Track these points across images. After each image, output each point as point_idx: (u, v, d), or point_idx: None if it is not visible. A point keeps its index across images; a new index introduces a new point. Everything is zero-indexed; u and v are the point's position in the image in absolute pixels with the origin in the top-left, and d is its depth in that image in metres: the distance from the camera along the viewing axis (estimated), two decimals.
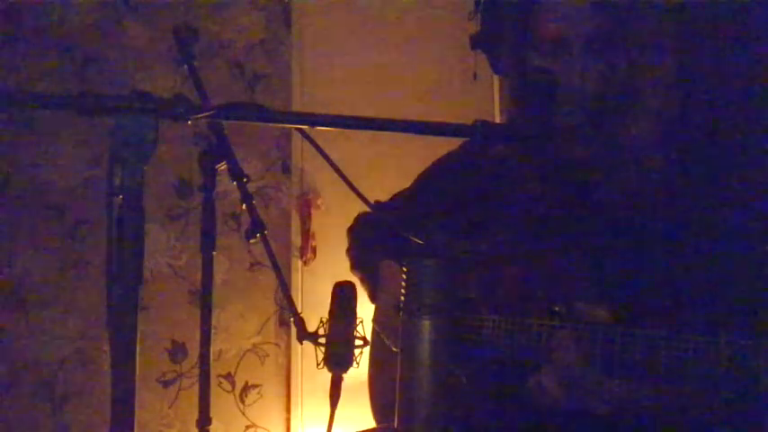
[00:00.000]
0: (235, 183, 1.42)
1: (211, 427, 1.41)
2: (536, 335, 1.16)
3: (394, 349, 1.38)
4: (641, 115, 1.38)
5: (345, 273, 1.57)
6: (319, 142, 1.11)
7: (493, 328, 1.23)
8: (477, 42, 1.40)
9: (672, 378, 1.00)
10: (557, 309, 1.16)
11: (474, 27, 1.39)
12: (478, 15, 1.39)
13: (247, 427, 2.93)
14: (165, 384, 2.89)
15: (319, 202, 2.96)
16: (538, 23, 1.26)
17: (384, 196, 1.59)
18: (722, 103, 1.62)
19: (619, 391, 1.08)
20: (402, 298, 0.99)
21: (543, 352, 1.14)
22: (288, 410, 2.95)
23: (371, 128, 1.03)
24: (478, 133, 1.03)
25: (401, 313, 0.99)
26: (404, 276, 1.00)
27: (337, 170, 1.08)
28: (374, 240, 1.57)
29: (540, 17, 1.26)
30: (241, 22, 3.02)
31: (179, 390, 2.90)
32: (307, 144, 1.11)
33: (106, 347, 2.79)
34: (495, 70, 1.40)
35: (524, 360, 1.18)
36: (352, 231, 1.67)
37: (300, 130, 1.09)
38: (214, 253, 1.42)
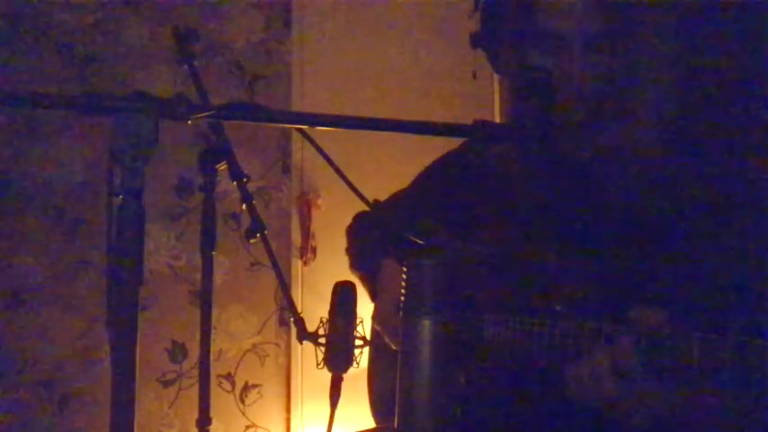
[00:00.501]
0: (235, 183, 1.42)
1: (211, 427, 1.41)
2: (537, 334, 1.16)
3: (394, 348, 1.38)
4: (641, 115, 1.38)
5: (345, 273, 1.57)
6: (319, 142, 1.11)
7: (495, 327, 1.23)
8: (477, 41, 1.40)
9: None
10: (558, 308, 1.16)
11: (474, 25, 1.39)
12: (478, 14, 1.39)
13: (247, 427, 2.93)
14: (165, 384, 2.89)
15: (319, 202, 2.96)
16: (538, 22, 1.26)
17: (384, 196, 1.59)
18: (722, 104, 1.62)
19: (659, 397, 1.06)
20: (402, 298, 0.99)
21: (549, 351, 1.13)
22: (288, 410, 2.95)
23: (371, 128, 1.03)
24: (478, 133, 1.03)
25: (401, 313, 0.99)
26: (404, 276, 1.00)
27: (337, 170, 1.08)
28: (373, 240, 1.57)
29: (541, 16, 1.26)
30: (241, 22, 3.02)
31: (179, 390, 2.90)
32: (307, 144, 1.11)
33: (106, 347, 2.78)
34: (496, 69, 1.40)
35: (527, 360, 1.18)
36: (351, 231, 1.67)
37: (300, 130, 1.09)
38: (214, 253, 1.42)
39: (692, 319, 1.07)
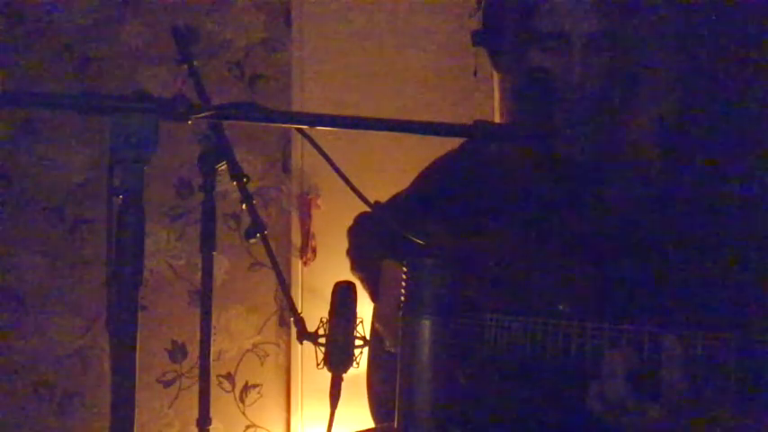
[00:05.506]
0: (235, 183, 1.42)
1: (211, 427, 1.41)
2: (537, 335, 1.16)
3: (392, 350, 1.38)
4: (641, 115, 1.38)
5: (345, 273, 1.57)
6: (319, 142, 1.11)
7: (495, 328, 1.23)
8: (478, 39, 1.40)
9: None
10: (561, 308, 1.16)
11: (475, 24, 1.40)
12: (480, 12, 1.39)
13: (247, 427, 2.93)
14: (165, 384, 2.89)
15: (319, 202, 2.96)
16: (539, 21, 1.26)
17: (384, 196, 1.59)
18: (722, 104, 1.62)
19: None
20: (402, 298, 0.99)
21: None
22: (288, 410, 2.95)
23: (371, 128, 1.03)
24: (478, 133, 1.03)
25: (401, 314, 0.99)
26: (404, 277, 1.00)
27: (337, 170, 1.08)
28: (375, 241, 1.57)
29: (542, 15, 1.26)
30: (241, 22, 3.02)
31: (179, 390, 2.90)
32: (307, 144, 1.11)
33: (106, 347, 2.78)
34: (497, 68, 1.40)
35: (527, 360, 1.18)
36: (353, 232, 1.67)
37: (300, 130, 1.09)
38: (214, 253, 1.41)
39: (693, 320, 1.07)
